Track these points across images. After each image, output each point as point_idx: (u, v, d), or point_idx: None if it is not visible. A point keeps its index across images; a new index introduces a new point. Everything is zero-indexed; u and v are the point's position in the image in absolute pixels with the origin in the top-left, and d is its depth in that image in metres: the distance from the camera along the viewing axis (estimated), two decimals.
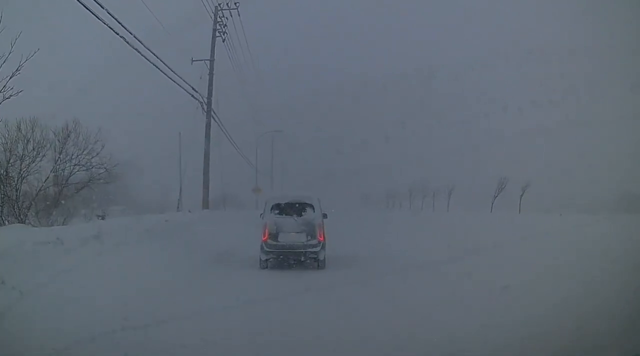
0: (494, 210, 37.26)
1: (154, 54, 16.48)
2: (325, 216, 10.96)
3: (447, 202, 42.65)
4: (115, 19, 13.16)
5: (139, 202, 25.71)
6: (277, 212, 10.79)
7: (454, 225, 20.00)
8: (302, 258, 10.38)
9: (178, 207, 23.14)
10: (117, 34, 13.47)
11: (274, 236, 10.33)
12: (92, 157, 16.89)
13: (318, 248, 10.29)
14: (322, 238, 10.38)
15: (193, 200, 24.18)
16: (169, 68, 17.97)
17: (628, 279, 7.19)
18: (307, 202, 10.88)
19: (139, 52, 15.34)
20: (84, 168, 16.87)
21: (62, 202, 15.88)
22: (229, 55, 25.90)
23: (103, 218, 13.48)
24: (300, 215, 10.70)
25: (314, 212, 10.71)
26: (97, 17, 12.22)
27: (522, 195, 35.77)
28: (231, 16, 24.21)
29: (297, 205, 10.83)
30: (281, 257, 10.44)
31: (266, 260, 10.39)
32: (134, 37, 14.63)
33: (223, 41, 24.34)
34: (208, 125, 23.90)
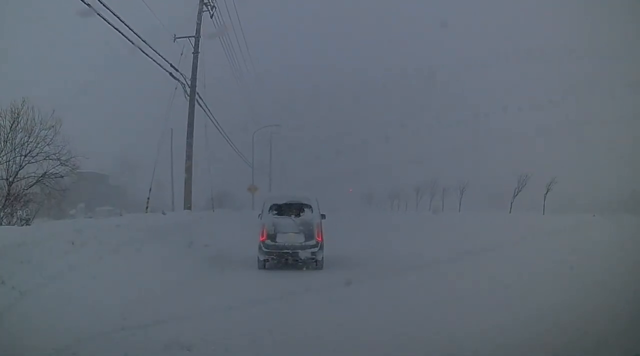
0: (514, 211, 37.48)
1: (118, 17, 15.09)
2: (323, 217, 11.98)
3: (458, 202, 43.29)
4: None
5: (137, 202, 25.75)
6: (275, 212, 11.85)
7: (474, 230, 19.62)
8: (301, 259, 11.33)
9: (147, 208, 21.70)
10: None
11: (272, 236, 11.35)
12: (46, 145, 15.84)
13: (316, 249, 11.31)
14: (320, 239, 11.41)
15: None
16: (139, 36, 16.49)
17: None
18: (305, 202, 11.92)
19: (102, 17, 14.19)
20: (34, 160, 15.87)
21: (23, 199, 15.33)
22: (220, 38, 25.68)
23: (28, 223, 13.08)
24: (299, 216, 11.74)
25: (312, 212, 11.75)
26: None
27: (546, 194, 34.94)
28: None
29: (295, 206, 11.89)
30: (279, 257, 11.40)
31: (264, 260, 11.41)
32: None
33: (211, 17, 24.05)
34: (192, 109, 23.10)
